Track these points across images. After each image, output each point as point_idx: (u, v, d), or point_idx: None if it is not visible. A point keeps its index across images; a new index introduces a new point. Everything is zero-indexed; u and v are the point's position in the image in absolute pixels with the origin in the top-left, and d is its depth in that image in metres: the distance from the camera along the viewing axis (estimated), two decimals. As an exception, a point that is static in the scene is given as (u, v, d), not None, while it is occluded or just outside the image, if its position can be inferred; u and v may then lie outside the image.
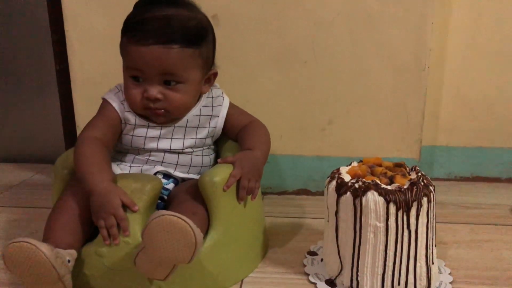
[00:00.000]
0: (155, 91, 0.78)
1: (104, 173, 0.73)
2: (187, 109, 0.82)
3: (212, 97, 0.86)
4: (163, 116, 0.80)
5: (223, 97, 0.87)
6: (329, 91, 1.07)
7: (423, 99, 1.06)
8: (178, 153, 0.83)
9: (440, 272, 0.78)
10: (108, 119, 0.81)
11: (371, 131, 1.09)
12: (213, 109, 0.85)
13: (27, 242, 0.61)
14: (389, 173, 0.74)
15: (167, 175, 0.82)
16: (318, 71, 1.06)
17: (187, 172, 0.84)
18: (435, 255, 0.75)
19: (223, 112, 0.86)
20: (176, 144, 0.83)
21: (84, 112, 1.09)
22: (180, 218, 0.62)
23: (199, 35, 0.79)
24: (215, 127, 0.86)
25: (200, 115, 0.84)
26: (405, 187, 0.70)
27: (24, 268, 0.62)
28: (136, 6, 0.80)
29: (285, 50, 1.05)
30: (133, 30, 0.77)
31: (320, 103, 1.08)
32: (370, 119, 1.08)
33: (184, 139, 0.83)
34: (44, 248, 0.62)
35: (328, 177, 0.77)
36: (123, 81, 0.81)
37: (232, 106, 0.88)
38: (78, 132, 1.11)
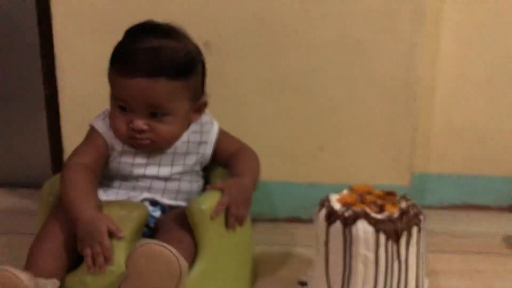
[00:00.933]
0: (140, 122, 0.77)
1: (90, 200, 0.73)
2: (174, 139, 0.82)
3: (201, 123, 0.85)
4: (148, 146, 0.80)
5: (212, 123, 0.87)
6: (320, 118, 1.07)
7: (413, 127, 1.07)
8: (166, 179, 0.82)
9: (431, 304, 0.77)
10: (95, 146, 0.80)
11: (362, 159, 1.09)
12: (202, 135, 0.85)
13: (6, 270, 0.61)
14: (379, 202, 0.73)
15: (154, 202, 0.81)
16: (309, 98, 1.06)
17: (175, 199, 0.83)
18: (426, 286, 0.74)
19: (211, 138, 0.86)
20: (164, 171, 0.82)
21: (72, 137, 1.08)
22: (165, 247, 0.61)
23: (187, 67, 0.79)
24: (204, 153, 0.85)
25: (188, 141, 0.83)
26: (395, 216, 0.70)
27: None
28: (126, 34, 0.81)
29: (276, 77, 1.06)
30: (120, 62, 0.77)
31: (311, 130, 1.08)
32: (361, 146, 1.08)
33: (172, 165, 0.82)
34: (24, 276, 0.61)
35: (318, 205, 0.76)
36: (110, 108, 0.81)
37: (221, 132, 0.88)
38: (66, 157, 1.10)
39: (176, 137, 0.82)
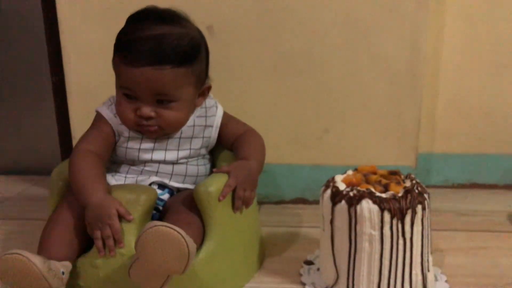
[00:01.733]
0: (148, 109, 0.78)
1: (99, 184, 0.74)
2: (181, 125, 0.82)
3: (206, 107, 0.86)
4: (156, 132, 0.81)
5: (216, 107, 0.87)
6: (324, 100, 1.07)
7: (418, 107, 1.06)
8: (173, 163, 0.83)
9: (436, 280, 0.78)
10: (101, 132, 0.81)
11: (367, 139, 1.09)
12: (206, 119, 0.85)
13: (19, 254, 0.62)
14: (384, 181, 0.74)
15: (162, 186, 0.82)
16: (314, 80, 1.06)
17: (183, 182, 0.84)
18: (430, 263, 0.75)
19: (217, 121, 0.86)
20: (171, 155, 0.83)
21: (80, 123, 1.10)
22: (173, 228, 0.62)
23: (191, 54, 0.79)
24: (210, 137, 0.86)
25: (194, 125, 0.84)
26: (399, 195, 0.70)
27: (16, 280, 0.62)
28: (128, 21, 0.80)
29: (280, 60, 1.06)
30: (124, 51, 0.77)
31: (316, 112, 1.08)
32: (366, 127, 1.09)
33: (178, 150, 0.83)
34: (36, 260, 0.62)
35: (323, 186, 0.77)
36: (116, 96, 0.82)
37: (226, 115, 0.88)
38: (74, 143, 1.11)
39: (183, 122, 0.82)
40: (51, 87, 1.19)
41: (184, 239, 0.62)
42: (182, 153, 0.83)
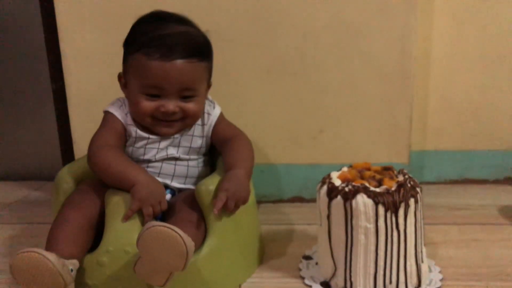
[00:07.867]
0: (172, 105, 0.80)
1: (139, 167, 0.78)
2: (198, 118, 0.86)
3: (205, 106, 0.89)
4: (175, 127, 0.83)
5: (214, 107, 0.90)
6: (319, 101, 1.10)
7: (410, 105, 1.09)
8: (176, 159, 0.85)
9: (430, 271, 0.80)
10: (114, 129, 0.83)
11: (361, 138, 1.12)
12: (205, 117, 0.88)
13: (34, 251, 0.63)
14: (378, 176, 0.76)
15: (164, 186, 0.84)
16: (308, 82, 1.09)
17: (184, 183, 0.86)
18: (424, 254, 0.77)
19: (211, 120, 0.89)
20: (172, 151, 0.85)
21: (80, 129, 1.12)
22: (170, 228, 0.64)
23: (209, 50, 0.84)
24: (206, 136, 0.89)
25: (195, 123, 0.87)
26: (392, 189, 0.72)
27: (31, 277, 0.63)
28: (140, 23, 0.82)
29: (275, 63, 1.08)
30: (153, 46, 0.77)
31: (310, 113, 1.11)
32: (359, 126, 1.11)
33: (179, 147, 0.86)
34: (51, 256, 0.64)
35: (319, 182, 0.80)
36: (131, 97, 0.82)
37: (221, 116, 0.90)
38: (75, 149, 1.14)
39: (199, 115, 0.85)
40: (51, 94, 1.21)
41: (182, 238, 0.63)
42: (182, 150, 0.86)
